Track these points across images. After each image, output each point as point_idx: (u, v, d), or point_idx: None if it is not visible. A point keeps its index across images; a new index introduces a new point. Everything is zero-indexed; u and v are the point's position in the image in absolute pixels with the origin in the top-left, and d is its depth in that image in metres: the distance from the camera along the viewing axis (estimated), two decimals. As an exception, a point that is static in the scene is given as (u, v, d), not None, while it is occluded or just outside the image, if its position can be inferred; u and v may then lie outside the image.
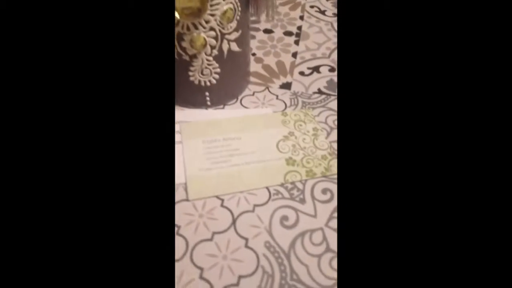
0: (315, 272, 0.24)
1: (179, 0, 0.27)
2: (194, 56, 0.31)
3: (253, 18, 0.35)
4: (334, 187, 0.29)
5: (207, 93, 0.34)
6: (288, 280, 0.23)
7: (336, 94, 0.37)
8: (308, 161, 0.31)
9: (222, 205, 0.27)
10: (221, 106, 0.36)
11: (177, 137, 0.32)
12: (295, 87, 0.38)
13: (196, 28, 0.29)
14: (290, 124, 0.34)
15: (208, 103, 0.35)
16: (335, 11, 0.51)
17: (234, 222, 0.26)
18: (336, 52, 0.43)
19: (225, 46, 0.31)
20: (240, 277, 0.23)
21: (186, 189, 0.28)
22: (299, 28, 0.48)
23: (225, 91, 0.35)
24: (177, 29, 0.29)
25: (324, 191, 0.29)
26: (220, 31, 0.30)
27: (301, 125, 0.34)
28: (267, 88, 0.38)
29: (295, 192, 0.29)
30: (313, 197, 0.28)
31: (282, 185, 0.29)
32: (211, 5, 0.28)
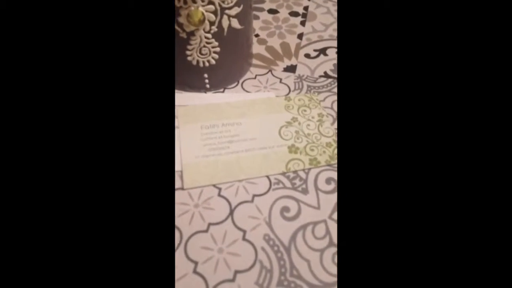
0: (317, 268, 0.22)
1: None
2: (191, 34, 0.28)
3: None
4: (339, 177, 0.27)
5: (205, 75, 0.32)
6: (288, 276, 0.22)
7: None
8: (312, 149, 0.29)
9: (219, 195, 0.26)
10: (221, 90, 0.34)
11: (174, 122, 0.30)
12: (300, 70, 0.36)
13: (194, 1, 0.26)
14: (293, 110, 0.32)
15: (207, 86, 0.33)
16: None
17: (231, 212, 0.25)
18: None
19: (225, 23, 0.28)
20: (236, 272, 0.22)
21: (181, 177, 0.26)
22: (306, 8, 0.45)
23: (225, 73, 0.33)
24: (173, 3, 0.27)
25: (328, 180, 0.27)
26: (219, 4, 0.27)
27: (305, 110, 0.32)
28: (270, 71, 0.36)
29: (297, 181, 0.27)
30: (316, 187, 0.26)
31: (283, 174, 0.27)
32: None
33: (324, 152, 0.29)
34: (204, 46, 0.29)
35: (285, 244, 0.23)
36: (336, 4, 0.46)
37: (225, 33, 0.29)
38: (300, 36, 0.40)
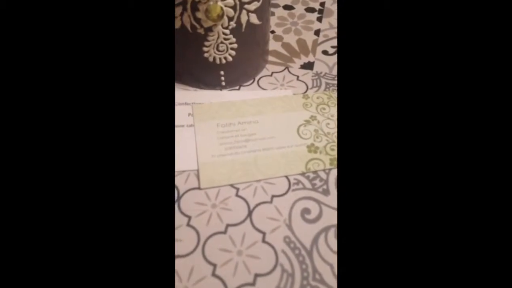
0: (341, 272, 0.21)
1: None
2: (209, 29, 0.28)
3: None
4: (361, 178, 0.26)
5: (222, 72, 0.31)
6: (310, 280, 0.21)
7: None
8: (332, 148, 0.28)
9: (237, 195, 0.25)
10: (237, 87, 0.33)
11: (189, 120, 0.30)
12: (318, 67, 0.35)
13: (213, -4, 0.26)
14: (312, 108, 0.31)
15: (223, 83, 0.32)
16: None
17: (250, 213, 0.24)
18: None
19: (243, 18, 0.28)
20: (256, 275, 0.21)
21: (198, 177, 0.26)
22: (322, 4, 0.44)
23: (242, 70, 0.32)
24: (191, -2, 0.26)
25: (350, 182, 0.26)
26: (239, -1, 0.26)
27: (324, 108, 0.31)
28: (287, 68, 0.35)
29: (317, 182, 0.26)
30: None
31: (303, 174, 0.26)
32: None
33: (345, 151, 0.28)
34: (222, 43, 0.28)
35: (306, 247, 0.22)
36: None
37: (243, 29, 0.28)
38: (317, 32, 0.39)
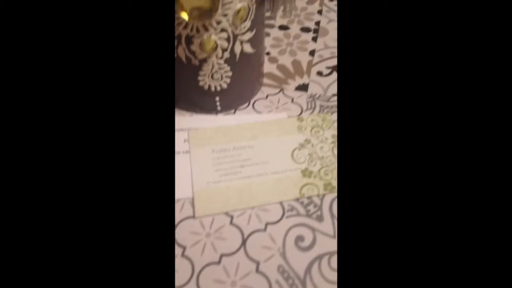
0: (334, 302, 0.22)
1: (188, 0, 0.24)
2: (204, 60, 0.28)
3: (268, 14, 0.32)
4: (354, 204, 0.26)
5: (217, 98, 0.31)
6: (303, 311, 0.21)
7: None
8: (327, 173, 0.28)
9: (231, 223, 0.25)
10: (232, 111, 0.33)
11: (185, 146, 0.30)
12: (312, 88, 0.36)
13: (207, 29, 0.26)
14: (306, 131, 0.31)
15: (218, 108, 0.32)
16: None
17: (244, 242, 0.24)
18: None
19: (237, 48, 0.28)
20: (250, 306, 0.21)
21: (193, 205, 0.26)
22: (317, 23, 0.45)
23: (237, 94, 0.32)
24: (186, 31, 0.27)
25: (344, 208, 0.26)
26: (232, 32, 0.27)
27: (318, 131, 0.31)
28: (282, 90, 0.35)
29: (311, 208, 0.26)
30: (331, 214, 0.26)
31: (297, 200, 0.27)
32: (223, 4, 0.25)
33: (339, 176, 0.28)
34: (216, 72, 0.29)
35: (300, 277, 0.23)
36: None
37: (237, 59, 0.29)
38: (312, 53, 0.40)
